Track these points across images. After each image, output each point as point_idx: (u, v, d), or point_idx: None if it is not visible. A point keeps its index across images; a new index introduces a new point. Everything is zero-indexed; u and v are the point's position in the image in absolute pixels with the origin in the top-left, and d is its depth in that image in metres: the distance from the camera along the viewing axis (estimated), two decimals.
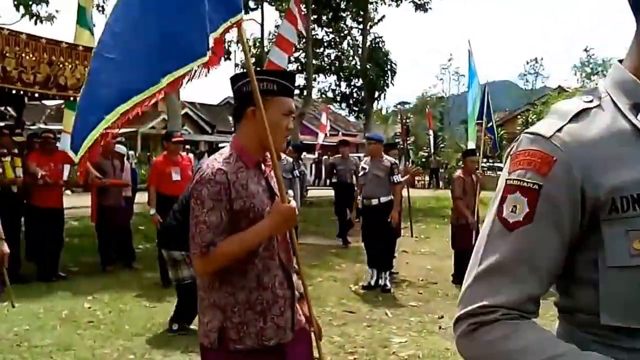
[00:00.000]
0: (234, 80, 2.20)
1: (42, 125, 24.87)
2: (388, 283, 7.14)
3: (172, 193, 6.95)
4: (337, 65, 24.69)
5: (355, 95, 24.46)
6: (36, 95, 7.50)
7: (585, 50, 58.60)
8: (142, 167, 19.77)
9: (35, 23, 12.53)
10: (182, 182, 7.07)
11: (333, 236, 10.98)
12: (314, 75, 22.81)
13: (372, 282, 7.20)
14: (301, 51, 22.12)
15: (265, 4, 21.40)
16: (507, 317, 0.99)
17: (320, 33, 24.51)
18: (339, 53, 25.24)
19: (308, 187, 18.04)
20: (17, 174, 7.10)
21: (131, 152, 23.15)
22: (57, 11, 12.92)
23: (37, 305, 6.01)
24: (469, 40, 9.31)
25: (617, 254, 0.96)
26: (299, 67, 22.86)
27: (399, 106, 33.17)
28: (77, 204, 10.90)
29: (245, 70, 2.25)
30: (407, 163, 13.33)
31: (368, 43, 23.55)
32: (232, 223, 2.03)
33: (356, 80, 24.28)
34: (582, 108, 1.04)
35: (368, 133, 16.85)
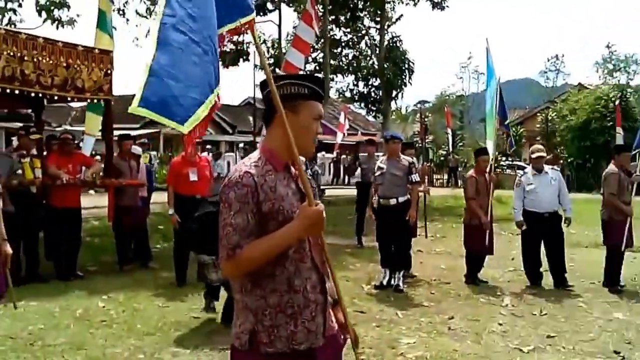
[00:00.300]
0: (264, 85, 2.18)
1: (68, 127, 25.32)
2: (401, 283, 7.11)
3: (190, 193, 7.08)
4: (354, 65, 24.68)
5: (373, 94, 24.43)
6: (55, 97, 7.65)
7: (607, 46, 57.60)
8: (164, 167, 20.02)
9: (57, 27, 12.77)
10: (199, 182, 7.16)
11: (350, 236, 10.97)
12: (331, 76, 22.81)
13: (385, 282, 7.19)
14: (319, 51, 22.15)
15: (283, 5, 21.47)
16: None
17: (338, 33, 24.53)
18: (357, 53, 25.23)
19: (324, 187, 18.04)
20: (36, 174, 7.25)
21: (153, 153, 23.49)
22: (78, 15, 13.15)
23: (53, 304, 6.13)
24: (486, 39, 9.24)
25: None
26: (317, 67, 22.91)
27: (419, 105, 33.06)
28: (99, 204, 11.05)
29: (276, 75, 2.25)
30: (424, 163, 13.29)
31: (385, 42, 23.48)
32: (261, 226, 2.03)
33: (374, 79, 24.24)
34: None
35: (386, 132, 16.83)
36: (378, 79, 23.86)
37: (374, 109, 24.99)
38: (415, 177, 7.20)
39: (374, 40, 24.40)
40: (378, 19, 23.88)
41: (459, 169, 30.39)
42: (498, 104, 8.66)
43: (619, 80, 39.62)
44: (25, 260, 7.21)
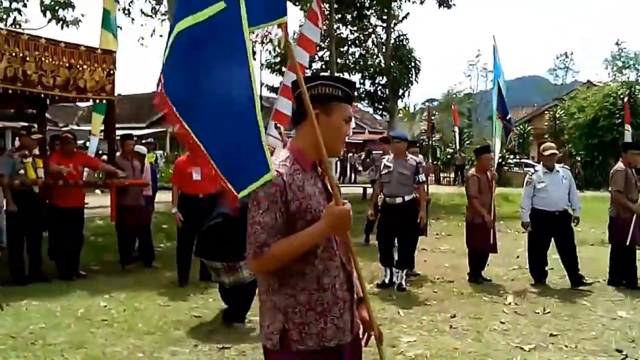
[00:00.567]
0: (296, 85, 2.18)
1: (75, 127, 25.43)
2: (404, 282, 7.10)
3: (193, 192, 7.11)
4: (361, 63, 24.58)
5: (379, 93, 24.32)
6: (56, 97, 7.68)
7: (617, 43, 57.14)
8: (170, 166, 20.10)
9: (62, 27, 12.84)
10: (203, 181, 7.15)
11: (356, 234, 10.94)
12: (338, 74, 22.74)
13: (387, 280, 7.17)
14: (325, 50, 22.09)
15: (289, 4, 21.41)
16: None
17: (344, 32, 24.45)
18: (363, 51, 25.13)
19: None
20: (39, 174, 7.27)
21: (160, 152, 23.57)
22: (82, 15, 13.22)
23: (55, 303, 6.14)
24: (493, 36, 9.17)
25: None
26: (323, 66, 22.85)
27: (426, 103, 32.94)
28: (104, 203, 11.07)
29: (310, 75, 2.23)
30: (428, 161, 13.21)
31: (392, 41, 23.39)
32: (289, 225, 2.05)
33: (380, 78, 24.14)
34: None
35: (392, 131, 16.75)
36: (385, 77, 23.75)
37: (381, 107, 24.88)
38: (422, 177, 7.22)
39: (381, 38, 24.29)
40: (385, 17, 23.78)
41: (466, 167, 30.25)
42: (498, 100, 8.61)
43: (628, 78, 39.28)
44: (28, 259, 7.25)
